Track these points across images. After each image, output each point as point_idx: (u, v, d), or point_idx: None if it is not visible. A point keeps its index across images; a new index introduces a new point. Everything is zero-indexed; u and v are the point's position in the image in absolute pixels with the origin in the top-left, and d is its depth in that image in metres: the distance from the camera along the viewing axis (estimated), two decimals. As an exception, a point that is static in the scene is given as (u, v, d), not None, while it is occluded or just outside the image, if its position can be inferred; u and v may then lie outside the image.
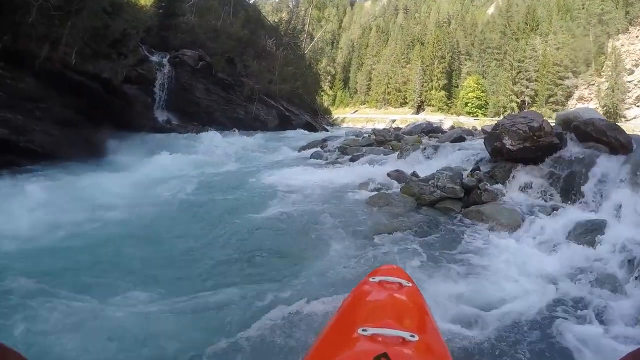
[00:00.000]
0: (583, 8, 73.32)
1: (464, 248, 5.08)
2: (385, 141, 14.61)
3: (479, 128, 42.36)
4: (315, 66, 50.47)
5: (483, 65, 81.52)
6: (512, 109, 68.71)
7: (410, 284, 2.00)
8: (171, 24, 25.76)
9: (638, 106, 59.58)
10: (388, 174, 8.70)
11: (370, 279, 2.05)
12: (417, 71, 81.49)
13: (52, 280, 3.75)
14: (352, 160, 11.84)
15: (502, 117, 53.73)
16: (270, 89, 29.36)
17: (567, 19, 74.66)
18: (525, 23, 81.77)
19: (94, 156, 11.79)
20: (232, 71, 26.86)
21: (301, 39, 48.78)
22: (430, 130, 18.92)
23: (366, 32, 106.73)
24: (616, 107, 60.46)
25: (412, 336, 1.42)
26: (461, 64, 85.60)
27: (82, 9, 12.39)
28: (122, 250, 4.75)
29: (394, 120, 64.90)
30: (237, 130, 21.88)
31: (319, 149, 15.01)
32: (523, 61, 72.04)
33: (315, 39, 56.89)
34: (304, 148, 15.96)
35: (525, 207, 6.29)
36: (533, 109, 67.50)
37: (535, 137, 7.14)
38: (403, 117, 69.21)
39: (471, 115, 71.15)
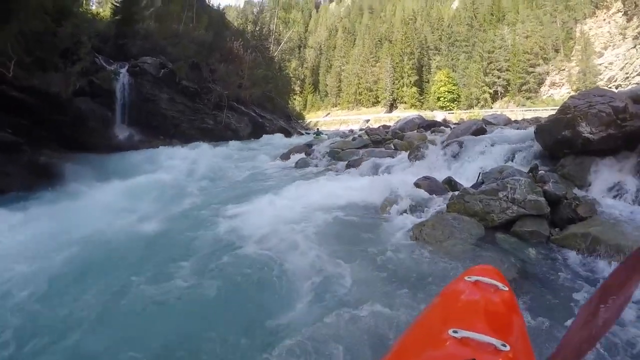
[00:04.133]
0: (548, -5, 73.36)
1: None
2: (383, 140, 12.83)
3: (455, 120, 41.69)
4: (285, 68, 48.93)
5: (452, 59, 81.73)
6: (485, 99, 69.50)
7: (506, 288, 1.78)
8: (129, 31, 23.88)
9: (610, 88, 59.18)
10: (417, 184, 6.47)
11: (466, 278, 1.87)
12: (387, 69, 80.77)
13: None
14: (351, 166, 9.79)
15: (475, 108, 53.92)
16: (241, 94, 27.55)
17: (533, 7, 74.65)
18: (492, 14, 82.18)
19: (39, 185, 9.86)
20: (198, 77, 24.96)
21: (269, 41, 47.08)
22: (429, 124, 16.91)
23: (332, 33, 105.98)
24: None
25: (503, 345, 1.31)
26: (430, 59, 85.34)
27: (19, 9, 10.49)
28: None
29: (367, 120, 63.97)
30: (202, 142, 19.58)
31: (303, 155, 13.17)
32: (493, 52, 71.73)
33: (285, 40, 55.10)
34: (285, 156, 14.05)
35: None
36: (506, 98, 67.87)
37: (619, 122, 5.29)
38: (376, 116, 68.33)
39: (445, 109, 70.24)
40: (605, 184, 5.27)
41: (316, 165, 11.46)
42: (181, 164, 12.56)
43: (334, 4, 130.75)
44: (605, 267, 3.63)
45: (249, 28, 44.09)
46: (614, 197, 5.08)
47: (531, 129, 7.68)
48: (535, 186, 4.98)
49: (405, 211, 5.61)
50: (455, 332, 1.37)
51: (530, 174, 5.59)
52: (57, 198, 8.37)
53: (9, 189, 9.48)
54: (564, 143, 5.81)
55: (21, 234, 5.54)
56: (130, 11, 24.48)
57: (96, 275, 4.17)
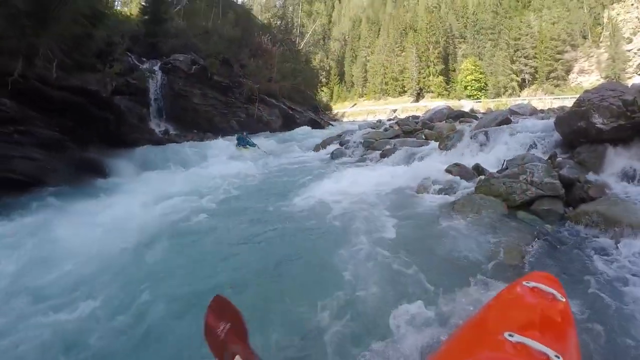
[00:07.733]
0: (574, -21, 71.54)
1: (601, 273, 3.68)
2: (414, 131, 13.14)
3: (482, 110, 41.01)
4: (312, 61, 49.07)
5: (478, 47, 79.58)
6: (513, 88, 67.91)
7: (564, 299, 1.88)
8: (159, 29, 24.42)
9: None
10: (448, 170, 7.21)
11: (524, 283, 1.98)
12: (412, 58, 79.81)
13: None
14: (384, 156, 10.36)
15: (503, 97, 53.02)
16: (271, 87, 28.02)
17: (559, -8, 72.89)
18: (517, 0, 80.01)
19: (87, 179, 10.54)
20: (229, 72, 25.50)
21: (295, 34, 47.27)
22: (457, 115, 17.16)
23: (356, 24, 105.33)
24: (618, 77, 58.48)
25: (556, 357, 1.36)
26: (456, 48, 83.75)
27: (59, 16, 10.84)
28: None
29: (395, 110, 63.65)
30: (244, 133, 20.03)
31: (338, 146, 13.50)
32: (519, 39, 70.24)
33: (309, 32, 55.24)
34: (320, 147, 14.48)
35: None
36: (534, 86, 66.53)
37: (629, 114, 5.88)
38: (404, 106, 67.84)
39: (472, 98, 69.31)
40: (615, 169, 5.89)
41: (351, 155, 11.87)
42: (220, 155, 12.99)
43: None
44: (606, 239, 4.30)
45: (274, 22, 44.21)
46: (623, 180, 5.72)
47: (552, 120, 8.28)
48: (551, 170, 5.69)
49: (438, 193, 6.44)
50: (511, 335, 1.45)
51: (549, 160, 6.27)
52: (99, 190, 8.99)
53: (55, 183, 10.04)
54: (579, 133, 6.47)
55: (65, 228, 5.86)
56: (158, 10, 24.95)
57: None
